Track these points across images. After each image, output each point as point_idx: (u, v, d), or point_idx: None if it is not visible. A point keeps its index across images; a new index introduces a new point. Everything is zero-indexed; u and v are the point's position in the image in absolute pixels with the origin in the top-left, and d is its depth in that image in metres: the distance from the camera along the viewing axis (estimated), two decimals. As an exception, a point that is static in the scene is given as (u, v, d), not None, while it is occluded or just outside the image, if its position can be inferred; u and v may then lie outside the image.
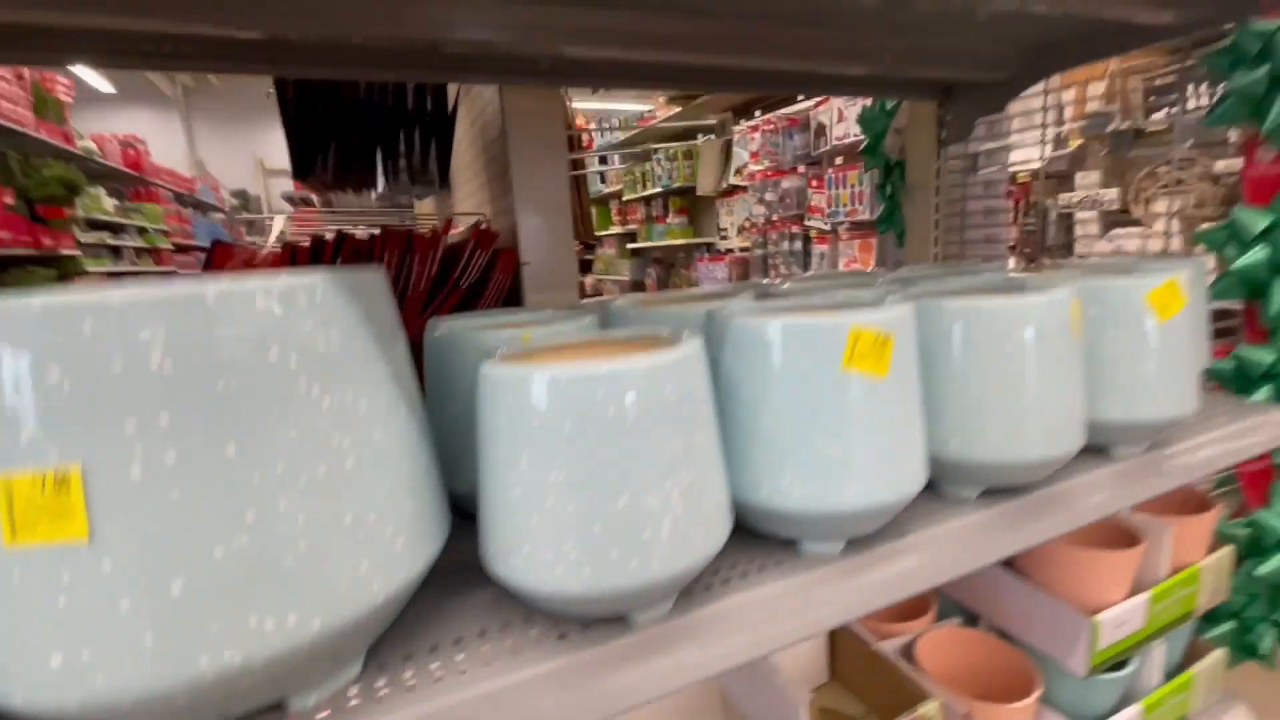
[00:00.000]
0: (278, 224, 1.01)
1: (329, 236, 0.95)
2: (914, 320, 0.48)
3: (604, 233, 6.76)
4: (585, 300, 1.88)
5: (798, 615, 0.46)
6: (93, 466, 0.27)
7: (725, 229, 5.33)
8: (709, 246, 5.52)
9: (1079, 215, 2.80)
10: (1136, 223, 2.43)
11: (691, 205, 5.73)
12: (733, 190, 5.08)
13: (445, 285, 0.87)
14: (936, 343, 0.54)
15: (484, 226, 1.03)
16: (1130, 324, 0.59)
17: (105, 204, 4.45)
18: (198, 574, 0.28)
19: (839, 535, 0.49)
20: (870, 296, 0.54)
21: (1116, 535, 0.77)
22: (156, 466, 0.28)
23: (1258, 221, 0.76)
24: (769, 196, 4.65)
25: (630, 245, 6.44)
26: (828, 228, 4.19)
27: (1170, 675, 0.82)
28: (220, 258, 0.85)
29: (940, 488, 0.59)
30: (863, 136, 1.32)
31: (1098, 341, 0.60)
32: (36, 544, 0.27)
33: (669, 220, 5.78)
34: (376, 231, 1.04)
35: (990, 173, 1.26)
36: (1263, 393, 0.81)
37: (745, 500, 0.47)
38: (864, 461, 0.45)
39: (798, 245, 4.49)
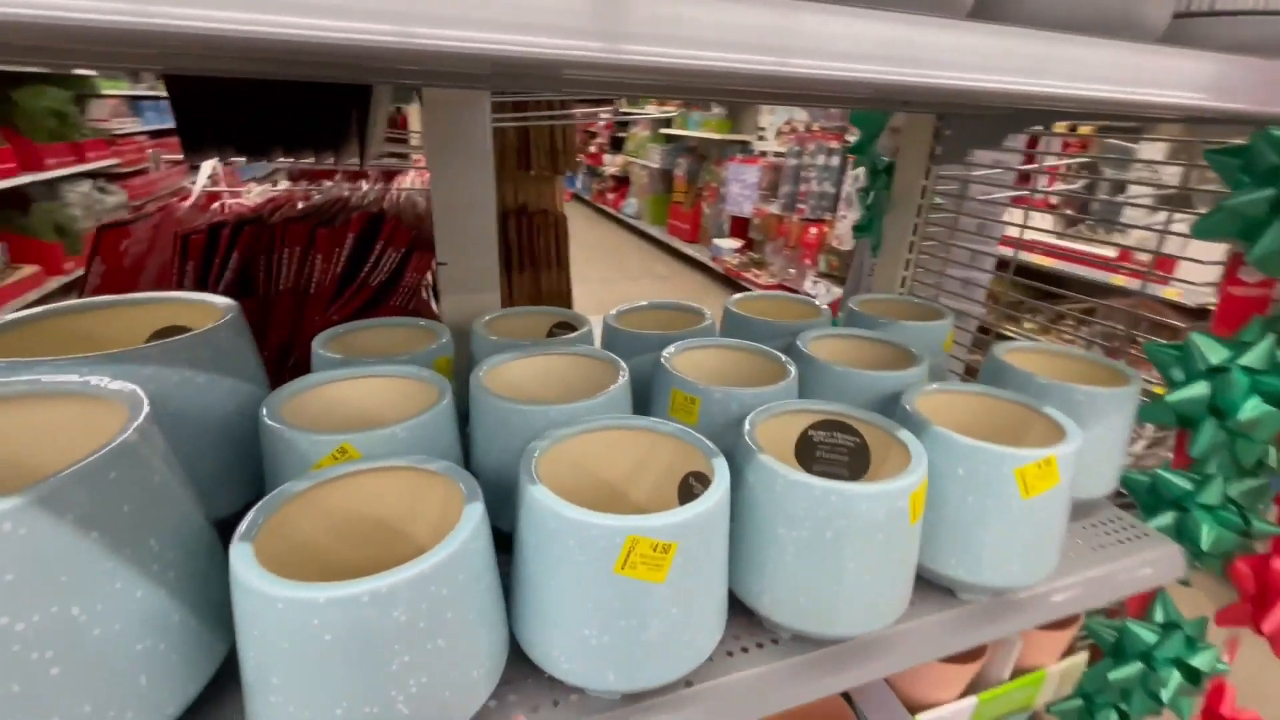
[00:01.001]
0: (206, 167, 0.94)
1: (240, 204, 0.90)
2: (715, 516, 0.46)
3: (639, 112, 6.33)
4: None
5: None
6: None
7: (764, 129, 4.95)
8: (744, 145, 5.17)
9: (1132, 188, 2.54)
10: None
11: (733, 96, 5.28)
12: (777, 88, 4.64)
13: (353, 283, 0.84)
14: (760, 495, 0.52)
15: (400, 207, 0.96)
16: (991, 493, 0.56)
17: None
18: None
19: (615, 693, 0.50)
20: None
21: (968, 637, 0.78)
22: None
23: (1212, 354, 0.69)
24: (814, 102, 4.25)
25: (664, 130, 6.05)
26: (869, 148, 3.87)
27: (997, 749, 0.87)
28: (107, 246, 0.81)
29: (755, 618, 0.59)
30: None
31: (957, 500, 0.57)
32: None
33: (709, 109, 5.37)
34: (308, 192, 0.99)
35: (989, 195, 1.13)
36: (1166, 518, 0.77)
37: (525, 650, 0.49)
38: (634, 651, 0.45)
39: (834, 161, 4.17)
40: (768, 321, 0.87)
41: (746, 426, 0.57)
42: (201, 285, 0.79)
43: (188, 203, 0.96)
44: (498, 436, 0.59)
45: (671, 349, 0.72)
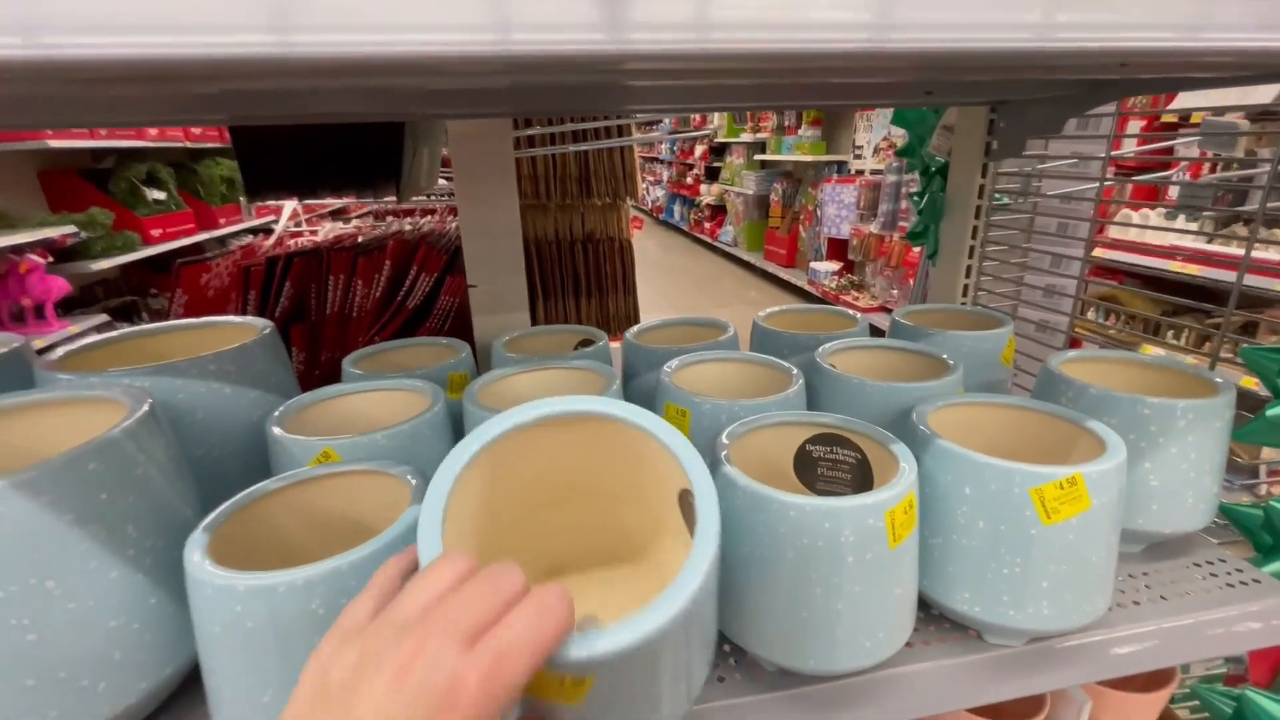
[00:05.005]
0: (287, 209, 1.09)
1: (299, 242, 1.00)
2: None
3: (733, 139, 6.35)
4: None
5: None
6: None
7: (860, 147, 4.78)
8: (840, 166, 5.01)
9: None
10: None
11: (827, 116, 5.16)
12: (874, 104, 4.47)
13: (391, 306, 0.90)
14: (724, 509, 0.48)
15: (444, 231, 1.03)
16: (1004, 517, 0.48)
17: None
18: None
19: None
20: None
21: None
22: None
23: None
24: (912, 115, 4.05)
25: (758, 156, 6.02)
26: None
27: (1080, 832, 0.74)
28: (187, 280, 0.95)
29: (747, 646, 0.55)
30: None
31: (965, 524, 0.50)
32: None
33: (800, 133, 5.29)
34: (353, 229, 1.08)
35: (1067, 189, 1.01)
36: (1286, 565, 0.63)
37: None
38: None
39: (938, 175, 3.93)
40: (793, 335, 0.82)
41: (722, 438, 0.54)
42: (262, 311, 0.88)
43: (269, 241, 1.10)
44: (481, 446, 0.60)
45: (673, 363, 0.70)
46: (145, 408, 0.48)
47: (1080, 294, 0.91)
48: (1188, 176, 2.12)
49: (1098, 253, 1.05)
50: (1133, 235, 2.07)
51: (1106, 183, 0.87)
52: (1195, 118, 2.19)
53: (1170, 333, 2.11)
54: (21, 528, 0.38)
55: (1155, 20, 0.39)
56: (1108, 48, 0.39)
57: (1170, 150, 1.77)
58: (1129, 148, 1.77)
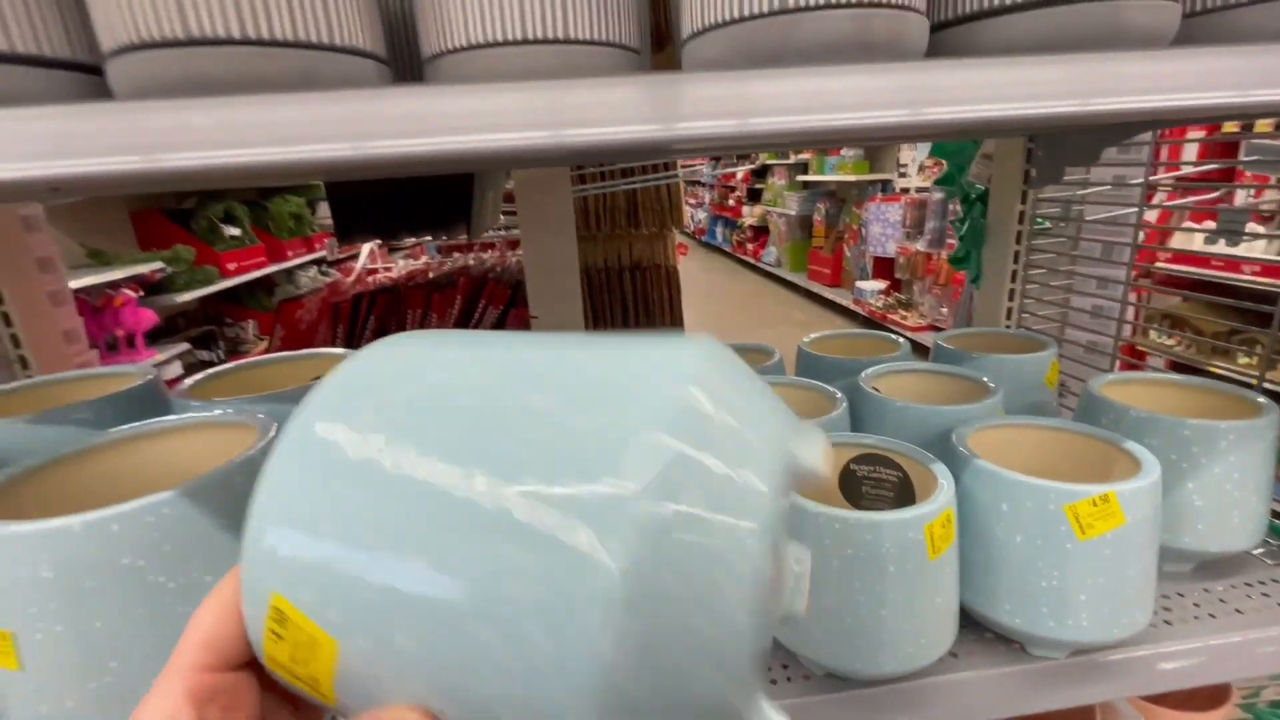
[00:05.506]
0: (366, 249, 1.20)
1: (380, 277, 1.11)
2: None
3: (774, 161, 6.40)
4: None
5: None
6: (18, 632, 0.43)
7: (905, 165, 4.76)
8: (885, 185, 4.99)
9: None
10: None
11: (870, 136, 5.16)
12: (917, 122, 4.46)
13: (462, 336, 0.99)
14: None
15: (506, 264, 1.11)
16: (1040, 533, 0.51)
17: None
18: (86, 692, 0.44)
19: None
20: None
21: (1075, 710, 0.69)
22: (51, 631, 0.43)
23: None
24: (957, 133, 4.03)
25: (800, 177, 6.04)
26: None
27: None
28: (285, 315, 1.06)
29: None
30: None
31: (1004, 539, 0.53)
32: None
33: (843, 152, 5.30)
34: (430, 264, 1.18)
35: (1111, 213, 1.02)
36: (1346, 586, 0.63)
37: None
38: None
39: (985, 192, 3.88)
40: (837, 359, 0.86)
41: (771, 457, 0.58)
42: (349, 343, 0.98)
43: (351, 278, 1.21)
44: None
45: (723, 387, 0.75)
46: (274, 430, 0.56)
47: (1122, 316, 0.92)
48: (1252, 194, 2.06)
49: (1157, 265, 1.05)
50: (1195, 245, 2.02)
51: (1149, 207, 0.89)
52: (1261, 125, 2.12)
53: (1239, 352, 2.03)
54: (189, 528, 0.46)
55: (1197, 83, 0.41)
56: (1149, 108, 0.42)
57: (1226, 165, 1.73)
58: (1173, 171, 1.74)
